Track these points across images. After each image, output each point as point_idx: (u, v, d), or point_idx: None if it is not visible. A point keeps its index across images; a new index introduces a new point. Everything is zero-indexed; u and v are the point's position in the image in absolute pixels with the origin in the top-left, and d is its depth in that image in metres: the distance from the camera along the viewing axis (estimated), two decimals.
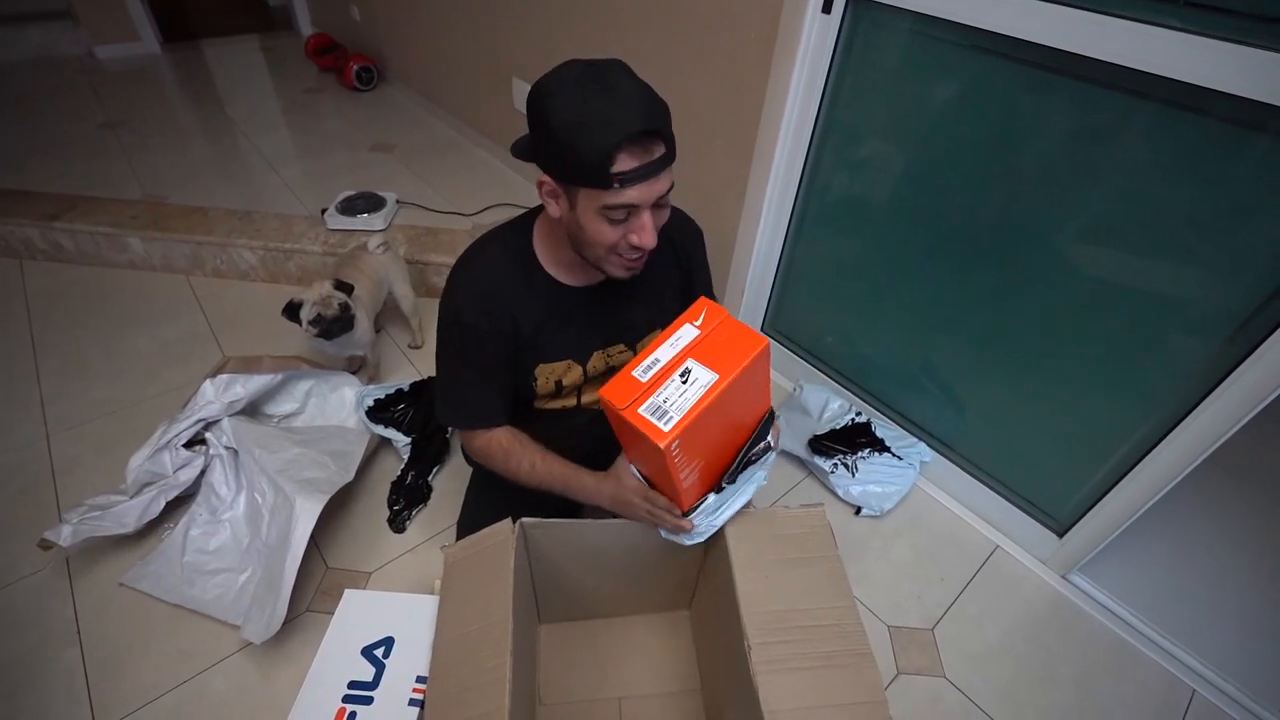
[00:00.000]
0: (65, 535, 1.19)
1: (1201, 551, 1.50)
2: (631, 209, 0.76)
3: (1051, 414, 1.33)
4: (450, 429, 1.58)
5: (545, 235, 0.92)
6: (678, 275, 1.03)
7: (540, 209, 0.91)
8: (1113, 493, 1.25)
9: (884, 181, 1.41)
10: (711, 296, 1.11)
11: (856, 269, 1.57)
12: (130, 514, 1.26)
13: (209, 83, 3.39)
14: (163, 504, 1.30)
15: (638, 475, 0.90)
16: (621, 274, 0.87)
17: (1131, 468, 1.20)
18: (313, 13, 3.92)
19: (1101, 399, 1.24)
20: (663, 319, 1.02)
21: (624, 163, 0.71)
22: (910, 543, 1.46)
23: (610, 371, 1.03)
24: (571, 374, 1.00)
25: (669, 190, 0.78)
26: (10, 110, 2.87)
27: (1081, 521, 1.32)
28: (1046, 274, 1.22)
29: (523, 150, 0.79)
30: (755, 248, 1.69)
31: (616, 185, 0.72)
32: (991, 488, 1.48)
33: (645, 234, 0.78)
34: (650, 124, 0.70)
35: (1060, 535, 1.37)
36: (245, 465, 1.31)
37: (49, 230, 2.06)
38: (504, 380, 0.98)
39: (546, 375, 0.99)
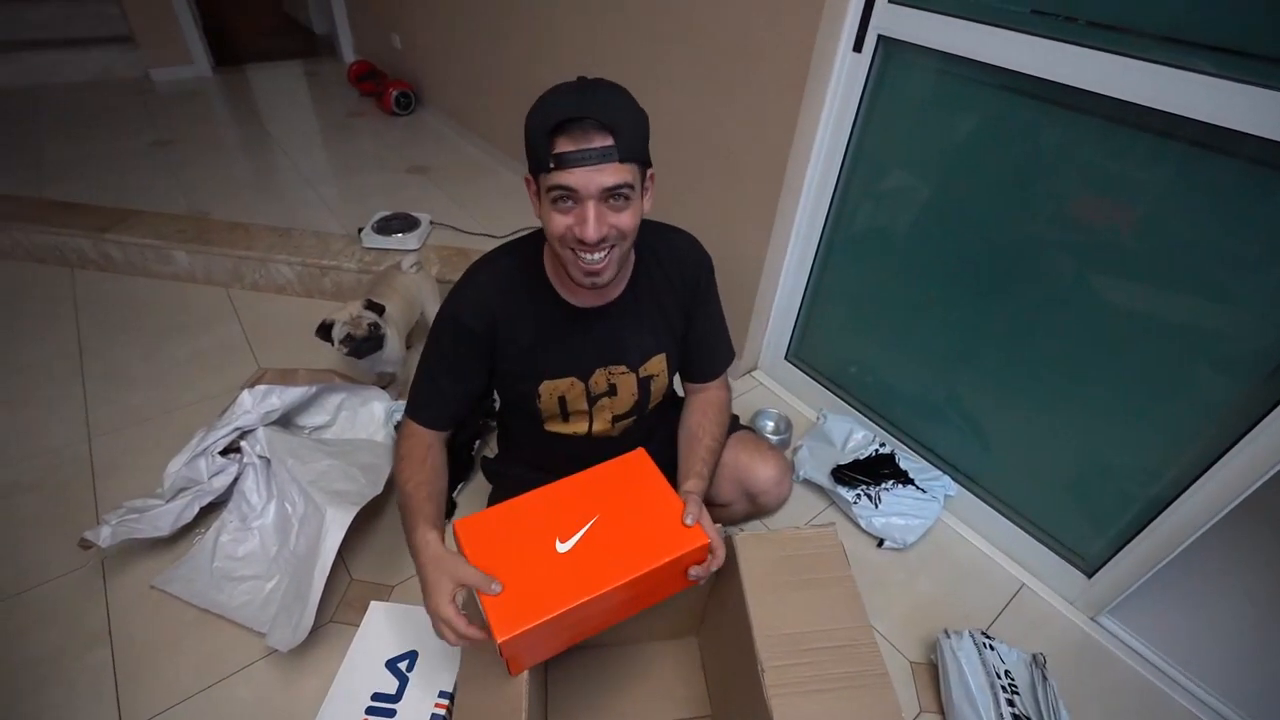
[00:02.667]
0: (104, 536, 1.22)
1: (1237, 596, 1.46)
2: (574, 195, 0.77)
3: (1079, 451, 1.31)
4: (475, 446, 1.61)
5: (551, 252, 0.94)
6: (681, 302, 1.03)
7: None
8: (1144, 533, 1.23)
9: (912, 213, 1.43)
10: (719, 325, 1.10)
11: (882, 299, 1.57)
12: (165, 518, 1.29)
13: (255, 105, 3.53)
14: (196, 509, 1.33)
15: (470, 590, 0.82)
16: (584, 281, 0.87)
17: (1164, 508, 1.18)
18: (355, 40, 4.08)
19: (1132, 436, 1.23)
20: (666, 345, 1.04)
21: (562, 145, 0.75)
22: (934, 577, 1.44)
23: (611, 390, 1.04)
24: (574, 391, 1.02)
25: (622, 187, 0.78)
26: (70, 128, 3.02)
27: (1111, 562, 1.29)
28: (1074, 309, 1.22)
29: None
30: (781, 276, 1.71)
31: (552, 165, 0.76)
32: (1017, 524, 1.46)
33: (585, 226, 0.79)
34: (584, 111, 0.74)
35: (1089, 575, 1.35)
36: (277, 474, 1.34)
37: (100, 241, 2.15)
38: (473, 386, 1.00)
39: (550, 392, 1.01)
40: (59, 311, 2.03)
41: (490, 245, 2.27)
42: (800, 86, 1.36)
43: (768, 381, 1.92)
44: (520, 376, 0.99)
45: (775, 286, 1.73)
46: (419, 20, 3.16)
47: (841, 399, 1.75)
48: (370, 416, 1.58)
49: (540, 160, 0.77)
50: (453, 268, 2.11)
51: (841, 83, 1.38)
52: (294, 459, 1.32)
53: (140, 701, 1.13)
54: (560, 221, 0.80)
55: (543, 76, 2.34)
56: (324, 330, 1.53)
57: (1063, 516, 1.39)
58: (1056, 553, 1.40)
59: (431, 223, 2.33)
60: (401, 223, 2.23)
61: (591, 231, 0.79)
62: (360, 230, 2.20)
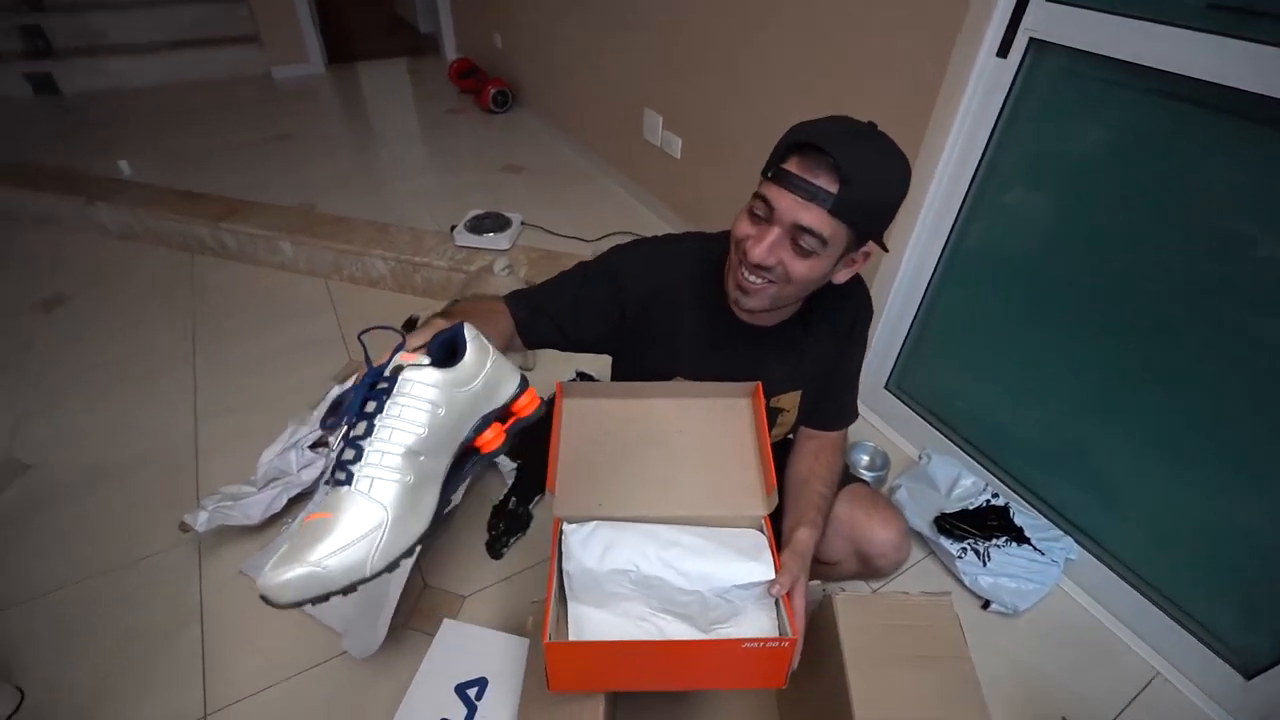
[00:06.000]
0: (201, 521, 1.27)
1: None
2: (770, 213, 0.76)
3: (1238, 524, 1.12)
4: (534, 501, 1.49)
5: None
6: (830, 352, 0.98)
7: None
8: None
9: (1049, 237, 1.27)
10: (856, 379, 1.05)
11: (1004, 330, 1.42)
12: (256, 507, 1.33)
13: (362, 101, 3.70)
14: (285, 500, 1.37)
15: None
16: (732, 294, 0.85)
17: None
18: (458, 38, 4.20)
19: None
20: (805, 384, 0.99)
21: (791, 164, 0.74)
22: (1048, 652, 1.28)
23: None
24: None
25: (814, 234, 0.74)
26: (198, 122, 3.25)
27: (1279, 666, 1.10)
28: (1241, 356, 1.04)
29: None
30: (890, 297, 1.58)
31: (770, 175, 0.75)
32: (1154, 601, 1.27)
33: (759, 244, 0.77)
34: (829, 147, 0.70)
35: (1247, 677, 1.15)
36: None
37: (217, 229, 2.28)
38: (583, 329, 0.92)
39: None
40: (178, 294, 2.16)
41: (581, 249, 2.27)
42: (932, 95, 1.24)
43: (864, 411, 1.79)
44: (657, 358, 0.96)
45: (883, 308, 1.60)
46: (522, 20, 3.19)
47: (947, 437, 1.60)
48: None
49: (768, 163, 0.77)
50: (540, 270, 2.10)
51: (979, 91, 1.24)
52: None
53: (224, 688, 1.16)
54: (744, 227, 0.80)
55: (646, 78, 2.31)
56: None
57: (1213, 600, 1.20)
58: (1203, 642, 1.21)
59: (523, 223, 2.33)
60: (493, 222, 2.24)
61: (759, 252, 0.77)
62: (453, 228, 2.23)
